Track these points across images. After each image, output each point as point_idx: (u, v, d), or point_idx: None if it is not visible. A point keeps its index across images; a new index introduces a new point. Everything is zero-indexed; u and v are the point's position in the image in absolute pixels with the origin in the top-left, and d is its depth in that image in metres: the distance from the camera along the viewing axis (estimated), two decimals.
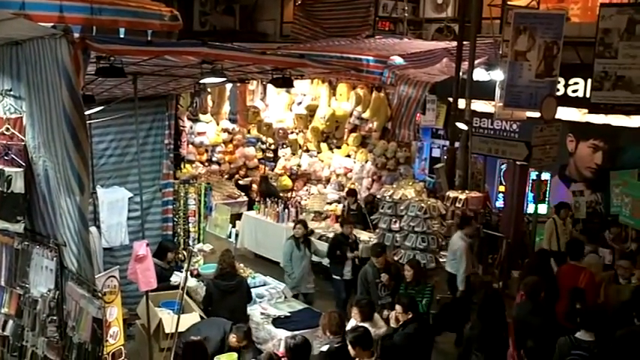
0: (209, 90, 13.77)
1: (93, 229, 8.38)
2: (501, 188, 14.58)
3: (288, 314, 8.62)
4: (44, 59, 5.34)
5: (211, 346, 6.87)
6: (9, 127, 5.88)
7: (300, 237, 10.03)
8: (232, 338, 6.93)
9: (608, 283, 8.44)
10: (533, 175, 12.74)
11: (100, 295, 5.30)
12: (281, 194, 15.03)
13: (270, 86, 14.56)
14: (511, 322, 7.39)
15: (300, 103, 15.38)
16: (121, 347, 5.80)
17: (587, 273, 8.39)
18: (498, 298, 7.49)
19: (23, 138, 5.90)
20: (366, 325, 7.11)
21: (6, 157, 5.88)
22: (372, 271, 8.78)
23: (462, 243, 9.82)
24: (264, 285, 9.40)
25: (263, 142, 16.89)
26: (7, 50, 5.96)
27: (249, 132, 16.60)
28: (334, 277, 10.28)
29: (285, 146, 16.62)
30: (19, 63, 5.82)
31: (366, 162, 15.19)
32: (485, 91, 12.52)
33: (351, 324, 7.31)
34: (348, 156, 15.80)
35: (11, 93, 6.02)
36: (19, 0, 7.24)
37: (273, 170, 16.56)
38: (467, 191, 11.41)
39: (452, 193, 11.31)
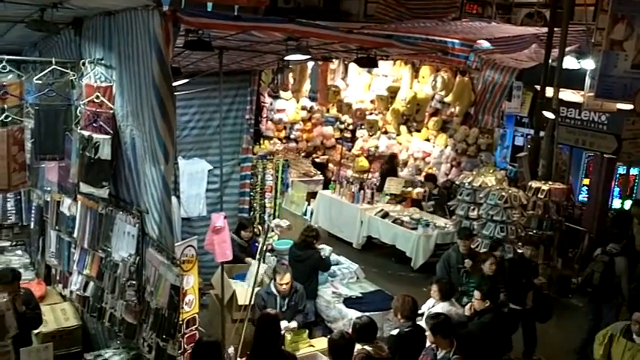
0: (291, 67, 13.80)
1: (173, 198, 8.56)
2: (586, 181, 14.07)
3: (360, 295, 8.61)
4: (136, 30, 5.44)
5: None
6: (99, 94, 6.04)
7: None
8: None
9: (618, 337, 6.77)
10: (620, 169, 12.26)
11: (178, 263, 5.41)
12: (358, 175, 14.98)
13: (351, 66, 14.51)
14: None
15: (380, 84, 15.22)
16: (196, 315, 5.94)
17: None
18: None
19: (112, 106, 6.05)
20: (442, 304, 7.02)
21: (95, 124, 6.05)
22: (455, 256, 8.58)
23: None
24: (337, 264, 9.37)
25: (341, 122, 16.83)
26: (100, 20, 6.11)
27: (328, 111, 16.58)
28: (512, 306, 8.35)
29: (362, 127, 16.53)
30: (111, 33, 5.96)
31: (446, 147, 14.94)
32: (574, 79, 12.04)
33: (428, 304, 7.21)
34: (428, 140, 15.57)
35: (102, 62, 6.18)
36: None
37: (350, 150, 16.51)
38: (550, 182, 11.04)
39: (534, 184, 10.96)
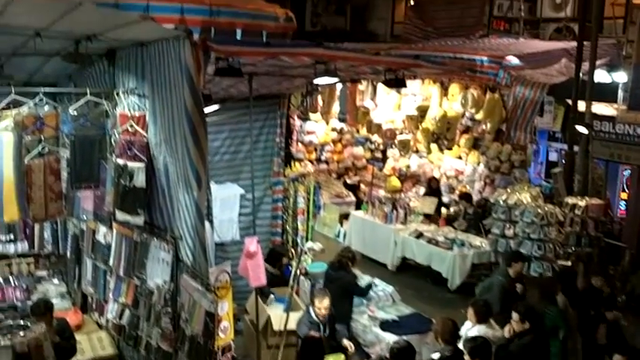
0: (320, 90, 13.86)
1: (206, 223, 8.59)
2: (623, 195, 13.81)
3: (397, 318, 8.50)
4: (167, 59, 5.52)
5: None
6: (133, 123, 6.12)
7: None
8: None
9: None
10: None
11: (213, 289, 5.41)
12: (390, 195, 14.90)
13: (380, 86, 14.52)
14: None
15: (410, 103, 15.21)
16: (231, 342, 5.91)
17: None
18: None
19: (145, 134, 6.13)
20: (479, 326, 6.89)
21: (129, 153, 6.14)
22: (506, 282, 8.04)
23: None
24: (371, 287, 9.27)
25: (372, 142, 16.82)
26: (133, 51, 6.22)
27: (358, 132, 16.57)
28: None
29: (393, 147, 16.49)
30: (144, 63, 6.06)
31: (478, 164, 14.80)
32: (606, 92, 11.89)
33: (466, 326, 7.09)
34: (460, 158, 15.45)
35: (136, 91, 6.28)
36: (143, 2, 7.57)
37: (381, 171, 16.45)
38: (587, 198, 10.85)
39: (571, 200, 10.76)
